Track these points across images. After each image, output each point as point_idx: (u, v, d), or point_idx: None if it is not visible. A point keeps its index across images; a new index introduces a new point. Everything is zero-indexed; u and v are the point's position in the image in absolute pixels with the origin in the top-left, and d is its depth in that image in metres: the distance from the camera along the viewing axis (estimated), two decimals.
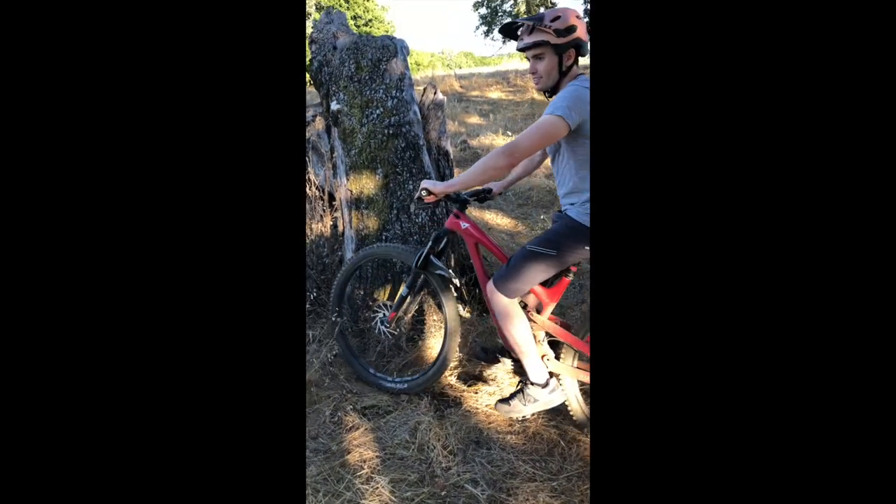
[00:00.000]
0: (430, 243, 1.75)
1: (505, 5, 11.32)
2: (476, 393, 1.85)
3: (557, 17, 1.39)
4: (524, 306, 1.61)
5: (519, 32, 1.46)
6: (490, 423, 1.69)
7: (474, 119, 6.71)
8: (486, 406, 1.77)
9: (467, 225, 1.71)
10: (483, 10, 11.45)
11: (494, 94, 8.58)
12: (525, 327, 1.54)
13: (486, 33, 11.66)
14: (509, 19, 11.33)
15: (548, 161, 1.66)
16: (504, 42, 11.75)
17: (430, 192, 1.60)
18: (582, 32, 1.41)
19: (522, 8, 10.94)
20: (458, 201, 1.75)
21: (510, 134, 5.55)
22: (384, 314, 1.92)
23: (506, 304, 1.52)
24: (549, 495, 1.38)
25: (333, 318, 1.94)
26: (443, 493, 1.41)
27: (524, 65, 12.34)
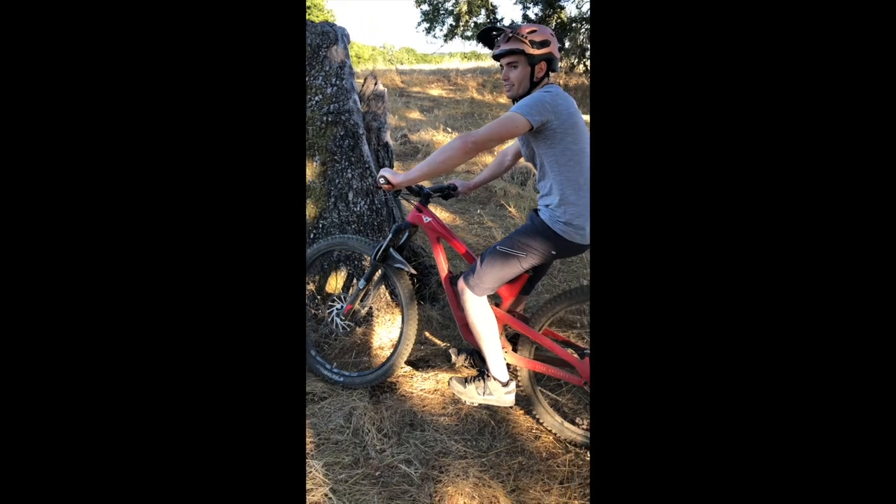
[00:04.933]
0: (390, 236, 1.72)
1: (447, 3, 11.35)
2: (411, 378, 1.89)
3: (534, 31, 1.45)
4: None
5: (497, 40, 1.51)
6: (424, 406, 1.74)
7: (415, 114, 6.73)
8: (421, 390, 1.82)
9: (430, 219, 1.70)
10: (425, 7, 11.38)
11: (435, 91, 8.65)
12: (493, 325, 1.57)
13: (428, 30, 11.60)
14: (451, 17, 11.40)
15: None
16: (445, 41, 11.79)
17: (387, 181, 1.57)
18: (554, 49, 1.48)
19: (464, 7, 11.05)
20: (420, 195, 1.72)
21: (450, 130, 5.63)
22: (340, 306, 1.87)
23: (476, 302, 1.55)
24: (478, 470, 1.45)
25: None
26: (377, 474, 1.44)
27: (465, 64, 12.45)
